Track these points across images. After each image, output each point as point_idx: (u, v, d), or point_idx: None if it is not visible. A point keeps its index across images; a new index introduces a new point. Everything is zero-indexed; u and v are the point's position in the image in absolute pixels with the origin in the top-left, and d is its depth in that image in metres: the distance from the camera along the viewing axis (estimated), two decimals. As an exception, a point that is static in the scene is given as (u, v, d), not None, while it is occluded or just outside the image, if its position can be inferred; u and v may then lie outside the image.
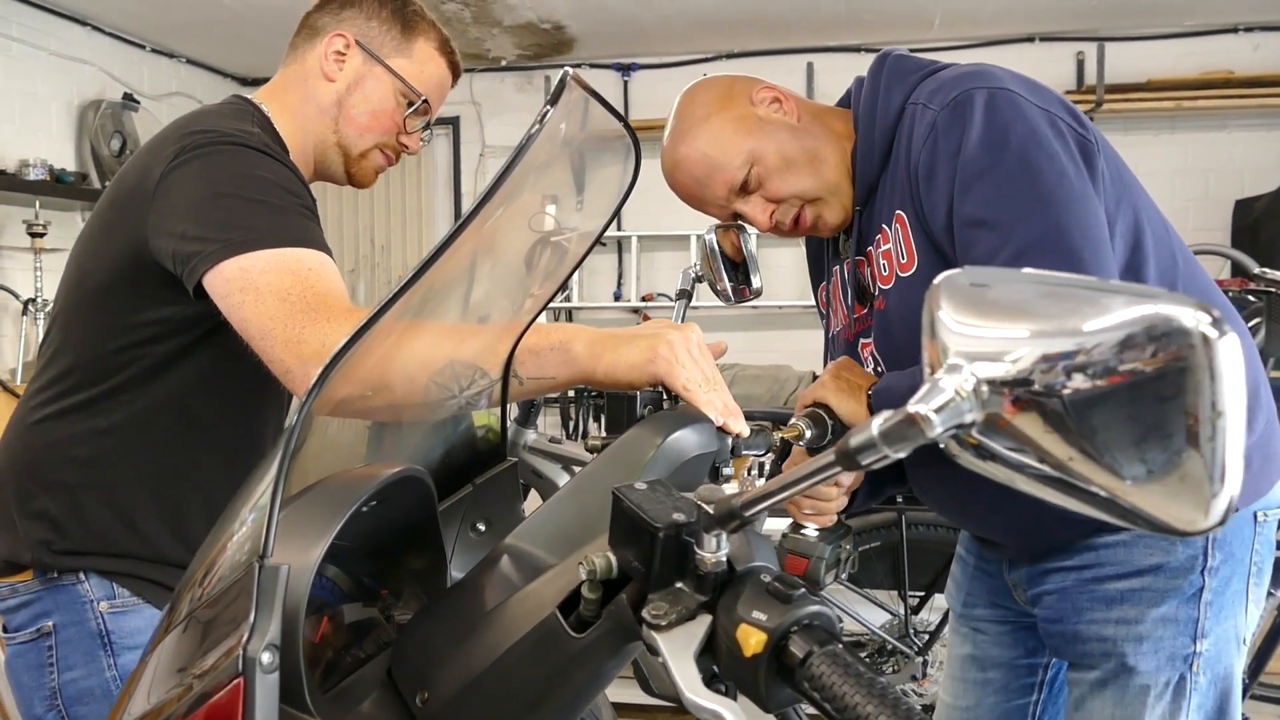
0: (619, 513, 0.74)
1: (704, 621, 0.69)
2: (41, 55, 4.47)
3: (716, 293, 1.63)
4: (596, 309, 5.49)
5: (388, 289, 4.48)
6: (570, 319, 5.53)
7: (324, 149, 1.50)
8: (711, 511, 0.68)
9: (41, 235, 4.24)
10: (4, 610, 1.44)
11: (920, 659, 2.84)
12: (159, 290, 1.30)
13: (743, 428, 1.07)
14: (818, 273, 1.57)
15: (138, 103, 4.86)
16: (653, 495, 0.74)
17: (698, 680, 0.66)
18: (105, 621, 1.39)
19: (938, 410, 0.51)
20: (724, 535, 0.69)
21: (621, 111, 5.30)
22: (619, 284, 5.50)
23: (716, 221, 1.51)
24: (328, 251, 1.28)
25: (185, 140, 1.30)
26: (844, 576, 2.69)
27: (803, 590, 0.67)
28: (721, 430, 1.06)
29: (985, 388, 0.50)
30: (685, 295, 1.72)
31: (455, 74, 1.58)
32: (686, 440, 1.02)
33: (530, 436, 2.77)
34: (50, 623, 1.40)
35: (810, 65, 5.12)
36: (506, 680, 0.80)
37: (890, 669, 2.87)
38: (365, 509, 0.99)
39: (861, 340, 1.43)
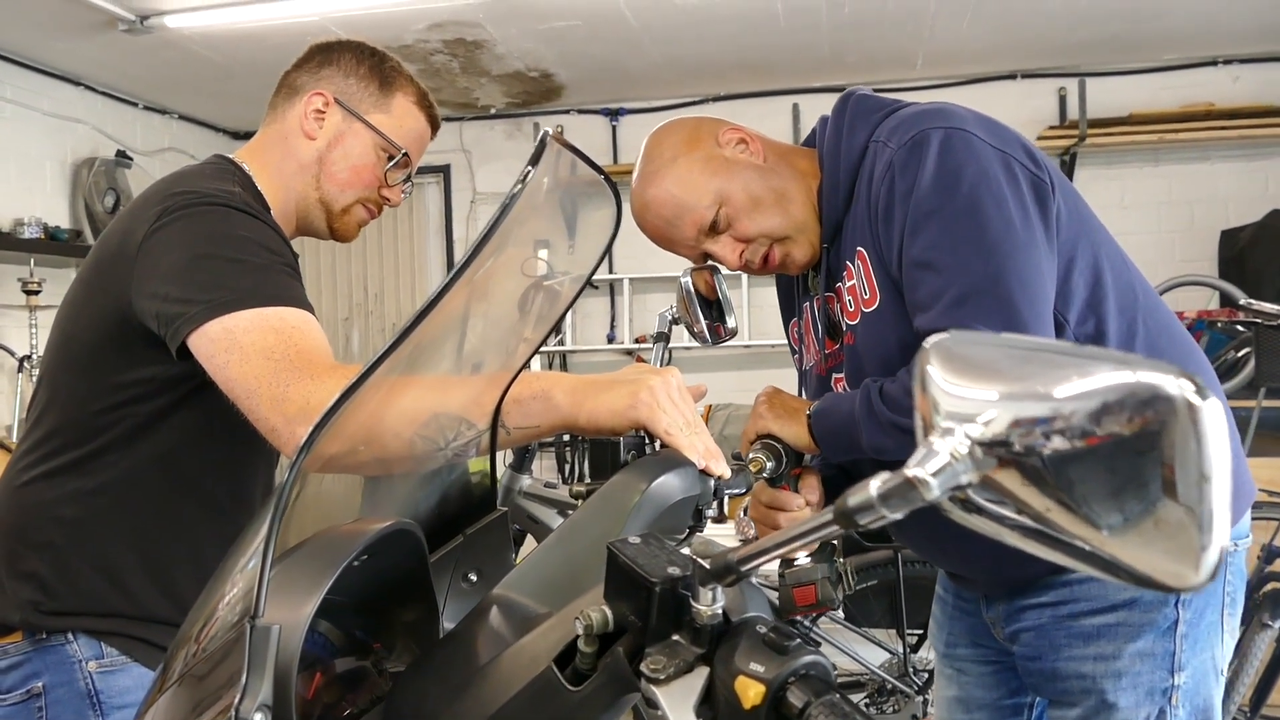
0: (614, 567, 0.74)
1: (701, 674, 0.70)
2: (35, 115, 4.52)
3: (693, 334, 1.65)
4: (590, 351, 5.51)
5: (381, 337, 4.49)
6: (564, 362, 5.55)
7: (306, 205, 1.52)
8: (708, 566, 0.68)
9: (36, 292, 4.26)
10: None
11: (920, 698, 2.83)
12: (143, 350, 1.31)
13: (724, 470, 1.09)
14: (788, 310, 1.59)
15: (131, 159, 4.90)
16: (647, 549, 0.75)
17: None
18: (94, 681, 1.39)
19: (935, 474, 0.53)
20: (719, 588, 0.70)
21: (610, 155, 5.38)
22: (612, 326, 5.53)
23: (693, 265, 1.53)
24: (310, 309, 1.29)
25: (167, 201, 1.32)
26: (851, 590, 2.69)
27: (798, 641, 0.68)
28: (704, 473, 1.07)
29: (979, 450, 0.52)
30: (663, 338, 1.74)
31: (434, 126, 1.61)
32: (670, 485, 1.03)
33: (525, 482, 2.78)
34: (40, 683, 1.39)
35: (796, 106, 5.18)
36: (507, 734, 0.80)
37: (891, 709, 2.86)
38: (356, 563, 1.00)
39: (834, 375, 1.45)
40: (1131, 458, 0.47)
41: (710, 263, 1.46)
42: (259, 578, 0.72)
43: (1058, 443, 0.48)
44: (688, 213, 1.39)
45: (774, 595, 1.69)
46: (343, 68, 1.52)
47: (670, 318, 1.71)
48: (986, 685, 1.54)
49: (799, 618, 2.84)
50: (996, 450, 0.51)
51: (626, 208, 1.09)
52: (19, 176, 4.40)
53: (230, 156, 1.52)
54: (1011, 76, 5.11)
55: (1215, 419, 0.45)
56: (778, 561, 1.46)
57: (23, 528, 1.41)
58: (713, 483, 1.09)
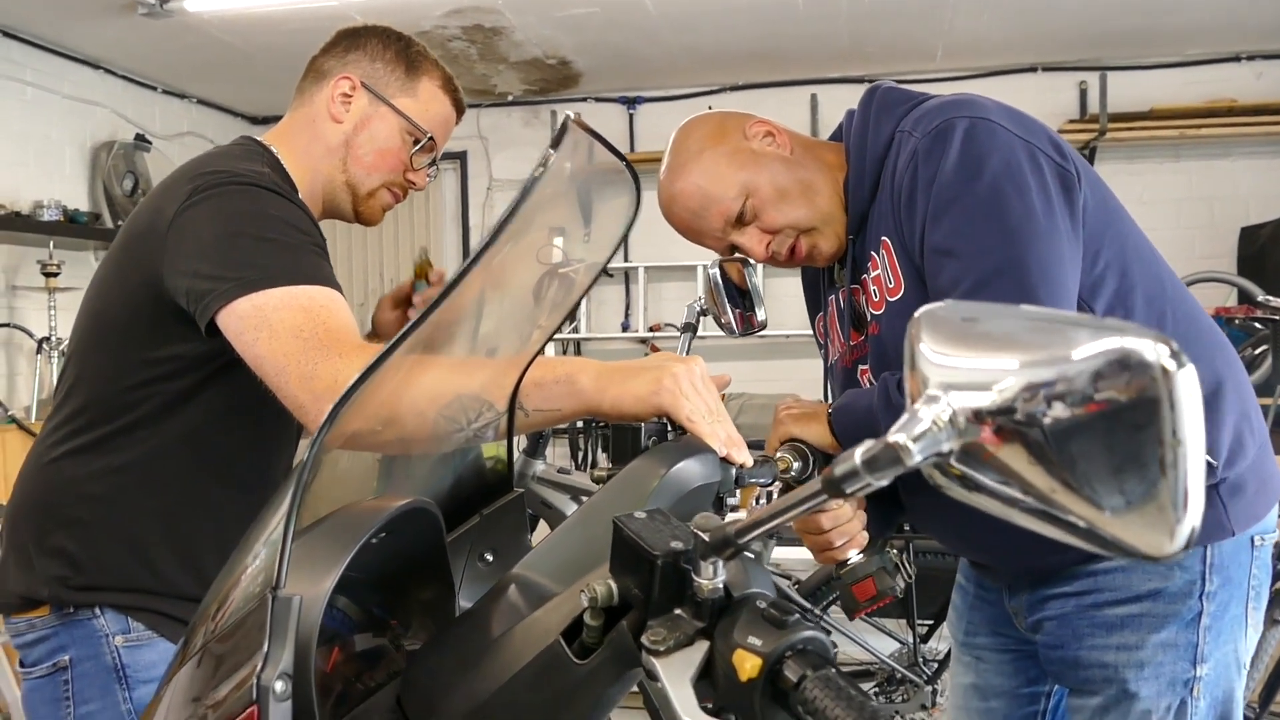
0: (619, 541, 0.75)
1: (701, 647, 0.71)
2: (55, 99, 4.54)
3: (720, 325, 1.66)
4: (604, 340, 5.52)
5: (397, 323, 4.42)
6: (579, 350, 5.56)
7: (332, 188, 1.53)
8: (707, 539, 0.69)
9: (55, 275, 4.29)
10: (21, 645, 1.46)
11: (930, 687, 2.84)
12: (172, 327, 1.33)
13: (746, 458, 1.09)
14: (814, 303, 1.60)
15: (149, 143, 4.93)
16: (652, 524, 0.76)
17: (694, 704, 0.67)
18: (120, 655, 1.41)
19: (915, 439, 0.53)
20: (720, 563, 0.71)
21: (627, 144, 5.38)
22: (626, 315, 5.54)
23: (720, 257, 1.54)
24: (338, 288, 1.31)
25: (198, 180, 1.33)
26: (912, 578, 2.68)
27: (797, 616, 0.69)
28: (725, 461, 1.08)
29: (962, 417, 0.52)
30: (690, 328, 1.74)
31: (459, 111, 1.62)
32: (690, 471, 1.04)
33: (539, 467, 2.79)
34: (66, 657, 1.41)
35: (814, 97, 5.17)
36: (512, 707, 0.81)
37: (900, 698, 2.87)
38: (375, 540, 1.01)
39: (860, 367, 1.45)
40: (1111, 423, 0.48)
41: (732, 253, 1.46)
42: (281, 550, 0.73)
43: (1038, 409, 0.49)
44: (714, 204, 1.39)
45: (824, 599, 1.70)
46: (369, 52, 1.54)
47: (699, 308, 1.72)
48: (1005, 674, 1.55)
49: (809, 607, 2.86)
50: (980, 417, 0.52)
51: (646, 195, 1.09)
52: (38, 159, 4.43)
53: (258, 139, 1.53)
54: (1032, 69, 5.09)
55: (1190, 386, 0.45)
56: (831, 568, 1.47)
57: (51, 504, 1.43)
58: (734, 471, 1.10)
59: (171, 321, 1.33)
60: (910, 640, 2.91)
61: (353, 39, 1.55)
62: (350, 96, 1.51)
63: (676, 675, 0.69)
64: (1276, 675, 2.77)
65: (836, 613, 2.97)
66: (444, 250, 5.76)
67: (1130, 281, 1.31)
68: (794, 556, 3.07)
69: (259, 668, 0.69)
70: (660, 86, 5.37)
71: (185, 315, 1.30)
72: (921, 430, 0.53)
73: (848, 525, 1.38)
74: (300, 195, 1.49)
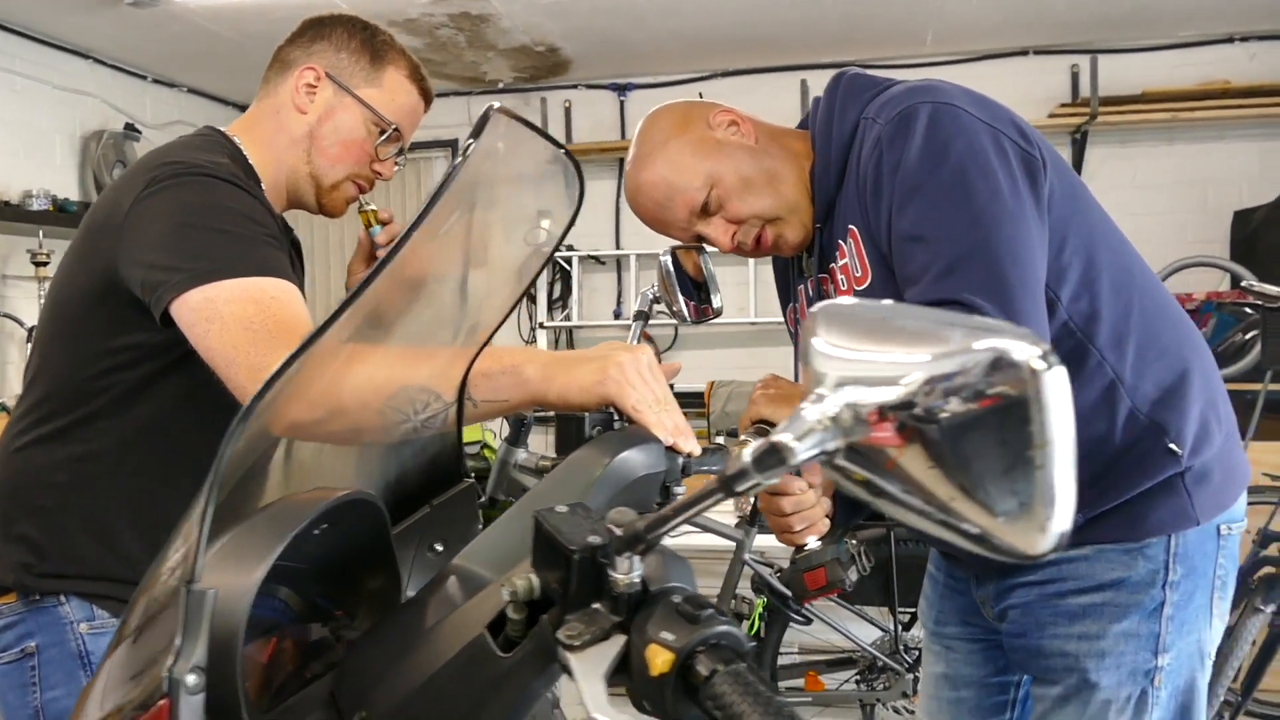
0: (539, 535, 0.76)
1: (618, 642, 0.71)
2: (45, 88, 4.54)
3: (673, 313, 1.65)
4: (596, 327, 5.51)
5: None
6: (571, 338, 5.56)
7: (296, 179, 1.53)
8: (619, 534, 0.69)
9: (45, 264, 4.30)
10: None
11: (911, 675, 2.84)
12: (130, 317, 1.33)
13: (693, 447, 1.09)
14: (785, 292, 1.59)
15: (139, 132, 4.92)
16: (572, 518, 0.76)
17: (604, 699, 0.67)
18: (85, 642, 1.42)
19: (799, 438, 0.53)
20: (636, 558, 0.71)
21: (618, 130, 5.36)
22: (618, 302, 5.53)
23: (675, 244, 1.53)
24: (293, 279, 1.31)
25: (155, 171, 1.33)
26: (867, 570, 2.70)
27: (710, 611, 0.69)
28: (672, 450, 1.08)
29: (847, 416, 0.52)
30: (642, 316, 1.74)
31: (427, 100, 1.61)
32: (634, 460, 1.04)
33: (520, 456, 2.79)
34: (33, 643, 1.43)
35: (804, 82, 5.14)
36: (439, 699, 0.81)
37: (882, 686, 2.87)
38: (317, 532, 1.01)
39: None
40: (988, 424, 0.48)
41: (699, 243, 1.46)
42: (195, 543, 0.73)
43: (916, 409, 0.49)
44: (679, 195, 1.39)
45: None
46: (334, 42, 1.53)
47: (652, 296, 1.72)
48: (974, 663, 1.55)
49: (790, 595, 2.86)
50: (861, 417, 0.52)
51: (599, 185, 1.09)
52: (28, 149, 4.42)
53: (222, 129, 1.53)
54: (1023, 53, 5.06)
55: (1058, 386, 0.46)
56: (792, 552, 1.47)
57: (16, 491, 1.44)
58: (680, 460, 1.09)
59: (129, 311, 1.33)
60: (892, 628, 2.91)
61: (318, 29, 1.54)
62: (315, 87, 1.50)
63: (589, 670, 0.69)
64: (1259, 663, 2.77)
65: (819, 601, 2.98)
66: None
67: (1096, 269, 1.30)
68: (778, 544, 3.07)
69: (171, 662, 0.69)
70: (651, 73, 5.35)
71: (142, 305, 1.31)
72: (805, 429, 0.53)
73: (809, 511, 1.38)
74: (264, 186, 1.49)
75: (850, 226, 1.34)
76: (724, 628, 0.68)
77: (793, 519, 1.37)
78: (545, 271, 5.58)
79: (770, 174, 1.39)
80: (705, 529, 2.92)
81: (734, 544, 2.89)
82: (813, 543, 1.41)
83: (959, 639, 1.57)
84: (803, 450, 0.54)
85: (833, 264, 1.39)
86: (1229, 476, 1.34)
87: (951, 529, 0.52)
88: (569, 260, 5.44)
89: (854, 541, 1.47)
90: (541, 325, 5.48)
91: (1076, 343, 1.28)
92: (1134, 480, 1.29)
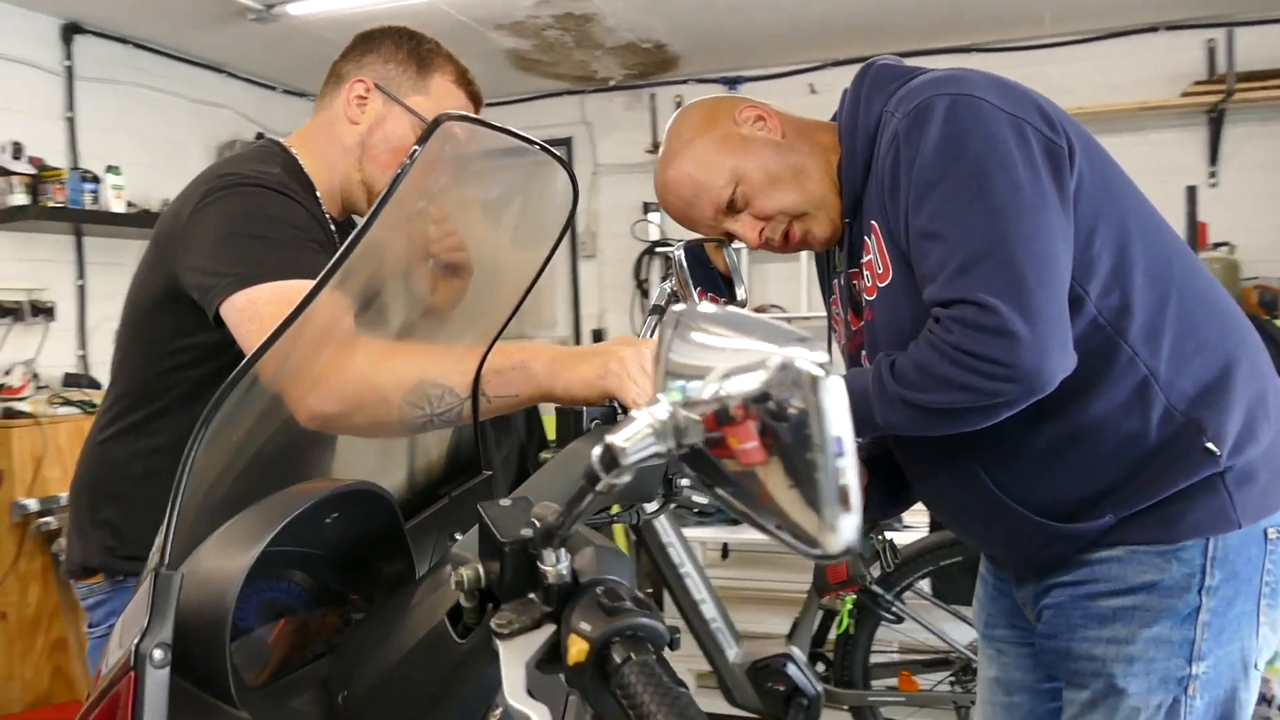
0: (481, 527, 0.79)
1: (547, 631, 0.73)
2: (182, 102, 4.83)
3: None
4: (709, 322, 5.52)
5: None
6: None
7: (349, 186, 1.61)
8: (538, 528, 0.72)
9: (183, 268, 4.57)
10: (87, 607, 1.62)
11: (1005, 676, 2.76)
12: (190, 319, 1.43)
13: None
14: (825, 286, 1.58)
15: (270, 141, 5.19)
16: (511, 511, 0.79)
17: (521, 687, 0.70)
18: None
19: (627, 440, 0.56)
20: (563, 550, 0.73)
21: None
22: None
23: (692, 237, 1.54)
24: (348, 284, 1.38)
25: (211, 183, 1.43)
26: (892, 567, 2.66)
27: (628, 603, 0.71)
28: None
29: (678, 419, 0.55)
30: (658, 310, 1.75)
31: (476, 102, 1.66)
32: None
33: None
34: (119, 620, 1.55)
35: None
36: (407, 681, 0.86)
37: (975, 687, 2.80)
38: (328, 520, 1.07)
39: (862, 353, 1.43)
40: (780, 428, 0.49)
41: (727, 239, 1.46)
42: (165, 529, 0.79)
43: (730, 415, 0.51)
44: (705, 192, 1.39)
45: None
46: (383, 54, 1.60)
47: (669, 290, 1.73)
48: (1024, 668, 1.51)
49: (881, 592, 2.82)
50: (686, 421, 0.53)
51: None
52: (167, 160, 4.72)
53: (280, 141, 1.62)
54: (1152, 29, 4.81)
55: (834, 393, 0.48)
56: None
57: (100, 480, 1.57)
58: None
59: (189, 314, 1.42)
60: (988, 626, 2.84)
61: (367, 42, 1.61)
62: (365, 99, 1.58)
63: (513, 657, 0.72)
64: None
65: (913, 599, 2.93)
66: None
67: (1130, 260, 1.25)
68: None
69: (136, 640, 0.75)
70: (760, 65, 5.32)
71: (199, 308, 1.40)
72: (633, 433, 0.56)
73: None
74: (319, 194, 1.58)
75: (872, 222, 1.32)
76: (639, 620, 0.70)
77: None
78: (659, 264, 5.62)
79: (796, 169, 1.38)
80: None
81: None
82: None
83: (1008, 642, 1.52)
84: (633, 452, 0.56)
85: (861, 259, 1.38)
86: (1277, 477, 1.27)
87: (766, 528, 0.53)
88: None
89: (880, 538, 1.46)
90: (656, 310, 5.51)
91: (1106, 338, 1.23)
92: (1169, 480, 1.23)
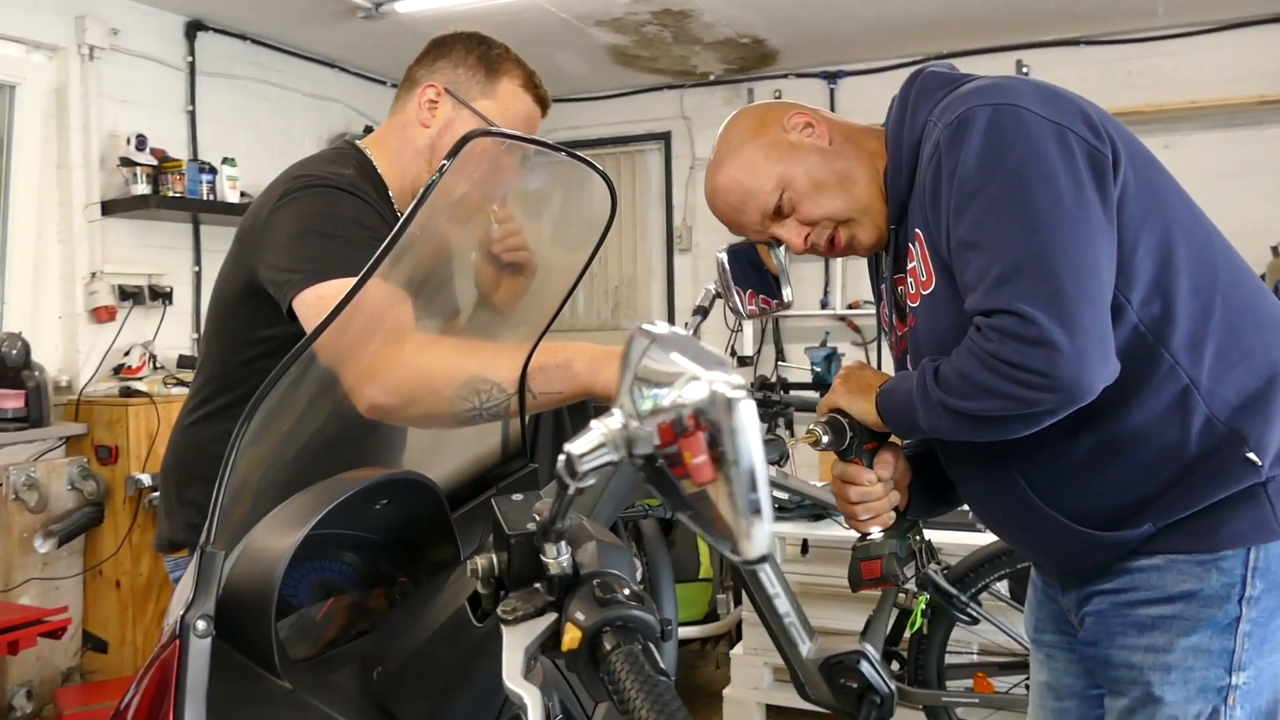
0: (494, 520, 0.84)
1: (549, 619, 0.79)
2: (296, 96, 5.04)
3: (730, 309, 1.68)
4: (803, 316, 5.51)
5: (604, 299, 4.71)
6: (777, 326, 5.59)
7: (420, 186, 1.68)
8: (538, 522, 0.77)
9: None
10: (173, 579, 1.74)
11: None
12: (267, 311, 1.52)
13: None
14: (875, 292, 1.59)
15: (378, 133, 5.37)
16: (520, 505, 0.85)
17: (519, 669, 0.76)
18: None
19: (582, 454, 0.64)
20: (563, 543, 0.78)
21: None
22: (825, 291, 5.50)
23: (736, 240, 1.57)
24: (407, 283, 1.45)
25: (288, 185, 1.52)
26: (931, 568, 2.64)
27: (620, 596, 0.75)
28: None
29: (631, 430, 0.60)
30: (702, 312, 1.78)
31: (543, 106, 1.72)
32: None
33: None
34: (175, 592, 1.67)
35: (1019, 62, 4.91)
36: (432, 660, 0.92)
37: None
38: (378, 507, 1.15)
39: (908, 358, 1.45)
40: (710, 444, 0.53)
41: (775, 242, 1.49)
42: (212, 511, 0.86)
43: (670, 434, 0.55)
44: (752, 198, 1.42)
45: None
46: (453, 59, 1.67)
47: (714, 292, 1.75)
48: (1073, 674, 1.50)
49: (956, 593, 2.80)
50: (635, 434, 0.58)
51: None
52: (282, 152, 4.92)
53: (356, 143, 1.71)
54: (1274, 20, 4.60)
55: (746, 414, 0.53)
56: (857, 536, 1.50)
57: (187, 461, 1.68)
58: None
59: (266, 307, 1.52)
60: (1067, 634, 2.79)
61: (439, 48, 1.69)
62: (436, 103, 1.65)
63: (515, 642, 0.78)
64: None
65: (989, 600, 2.90)
66: (649, 229, 5.92)
67: (1174, 269, 1.24)
68: (948, 540, 3.01)
69: (183, 611, 0.83)
70: (861, 59, 5.27)
71: (275, 302, 1.49)
72: (588, 446, 0.62)
73: (874, 503, 1.40)
74: (392, 194, 1.66)
75: (916, 230, 1.33)
76: (630, 611, 0.74)
77: (857, 509, 1.39)
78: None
79: (842, 175, 1.39)
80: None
81: (897, 539, 2.86)
82: (876, 533, 1.43)
83: (1057, 647, 1.52)
84: (587, 461, 0.62)
85: (907, 265, 1.39)
86: None
87: (701, 533, 0.57)
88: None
89: (919, 538, 1.46)
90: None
91: (1147, 346, 1.22)
92: (1209, 490, 1.22)
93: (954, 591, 2.80)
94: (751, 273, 1.62)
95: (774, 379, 5.34)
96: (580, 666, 0.75)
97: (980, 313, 1.19)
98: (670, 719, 0.65)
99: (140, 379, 4.01)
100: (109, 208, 4.11)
